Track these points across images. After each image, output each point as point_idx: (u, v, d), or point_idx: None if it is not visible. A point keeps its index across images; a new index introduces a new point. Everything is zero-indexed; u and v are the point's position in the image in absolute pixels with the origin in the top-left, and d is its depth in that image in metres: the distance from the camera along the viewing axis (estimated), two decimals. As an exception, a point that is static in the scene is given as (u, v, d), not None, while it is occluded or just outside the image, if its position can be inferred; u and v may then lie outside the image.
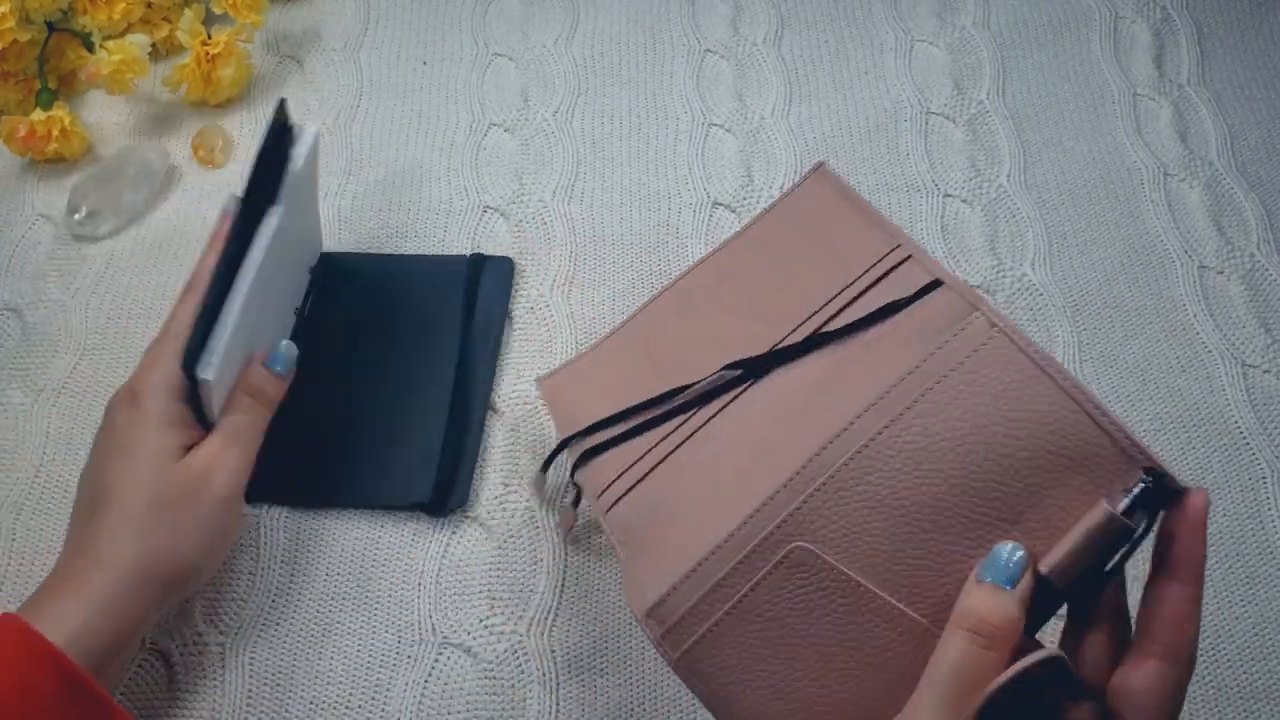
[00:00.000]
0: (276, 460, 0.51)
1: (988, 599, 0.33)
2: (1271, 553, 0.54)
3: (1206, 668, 0.51)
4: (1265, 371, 0.60)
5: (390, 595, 0.52)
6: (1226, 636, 0.51)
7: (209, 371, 0.46)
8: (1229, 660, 0.51)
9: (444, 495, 0.54)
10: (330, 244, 0.65)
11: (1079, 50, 0.75)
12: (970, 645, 0.33)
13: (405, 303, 0.61)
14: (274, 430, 0.50)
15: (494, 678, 0.50)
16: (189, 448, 0.47)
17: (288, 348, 0.51)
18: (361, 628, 0.51)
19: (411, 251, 0.64)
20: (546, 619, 0.52)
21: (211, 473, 0.46)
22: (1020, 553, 0.34)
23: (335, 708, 0.49)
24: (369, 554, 0.54)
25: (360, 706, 0.49)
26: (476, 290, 0.61)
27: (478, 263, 0.62)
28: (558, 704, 0.50)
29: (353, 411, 0.57)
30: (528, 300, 0.62)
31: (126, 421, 0.46)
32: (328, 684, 0.50)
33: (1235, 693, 0.50)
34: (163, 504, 0.44)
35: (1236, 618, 0.52)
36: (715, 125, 0.71)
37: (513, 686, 0.50)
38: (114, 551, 0.43)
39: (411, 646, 0.51)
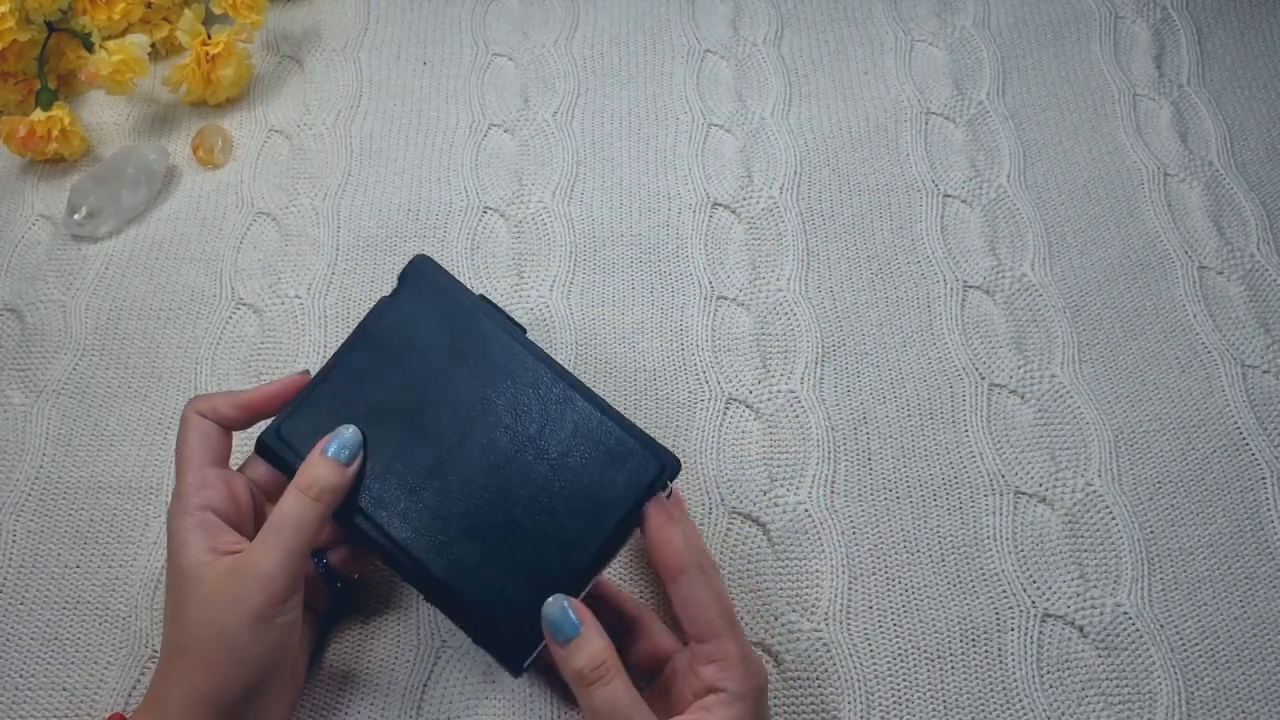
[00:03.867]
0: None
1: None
2: (1271, 553, 0.54)
3: (1205, 668, 0.51)
4: (1265, 372, 0.60)
5: (389, 596, 0.53)
6: (1225, 637, 0.52)
7: (270, 435, 0.46)
8: (1228, 660, 0.51)
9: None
10: (330, 244, 0.65)
11: (1079, 50, 0.75)
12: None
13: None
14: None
15: (495, 679, 0.50)
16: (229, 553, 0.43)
17: (352, 433, 0.45)
18: (361, 630, 0.52)
19: (415, 250, 0.64)
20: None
21: (237, 585, 0.41)
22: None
23: (335, 712, 0.49)
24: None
25: (360, 710, 0.49)
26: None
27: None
28: (559, 706, 0.50)
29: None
30: (527, 302, 0.62)
31: (169, 517, 0.44)
32: (327, 688, 0.50)
33: (1235, 693, 0.50)
34: (187, 619, 0.42)
35: (1236, 618, 0.52)
36: (715, 125, 0.71)
37: (514, 687, 0.50)
38: (157, 676, 0.43)
39: (412, 648, 0.51)
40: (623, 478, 0.45)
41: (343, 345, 0.49)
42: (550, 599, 0.43)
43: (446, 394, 0.47)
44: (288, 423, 0.47)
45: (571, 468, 0.46)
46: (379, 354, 0.49)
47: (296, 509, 0.43)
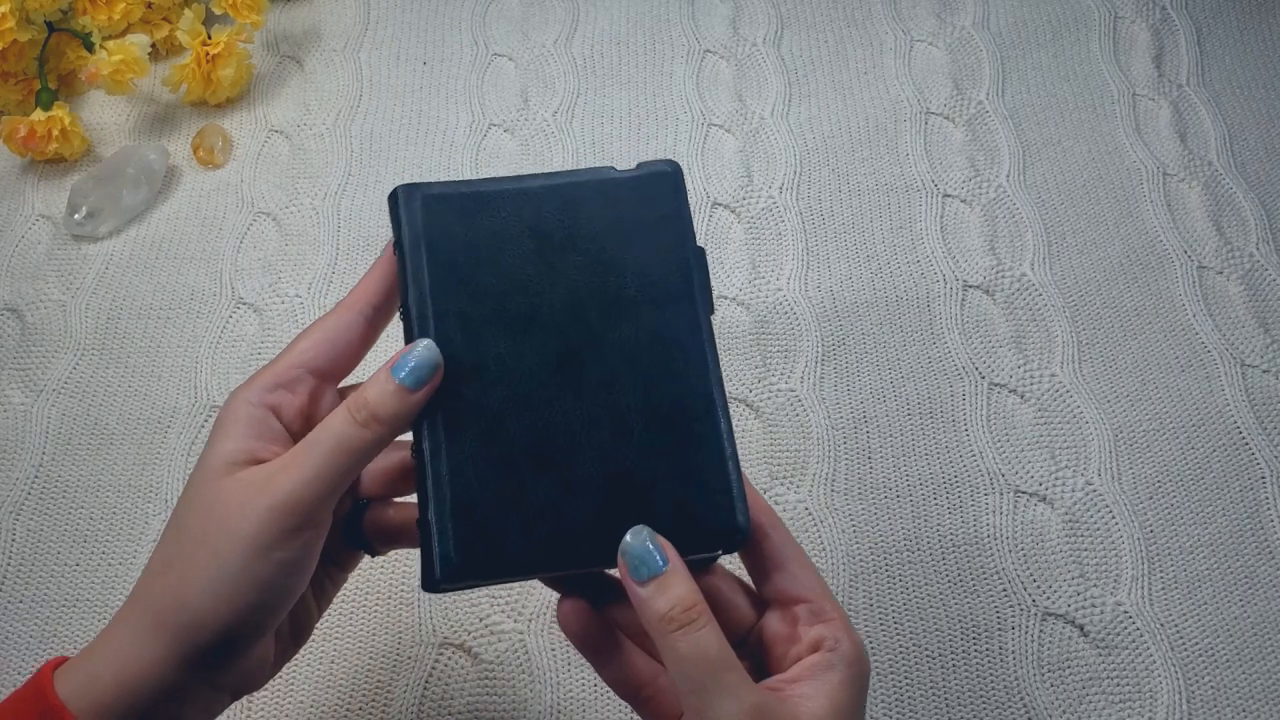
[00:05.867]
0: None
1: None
2: (1270, 553, 0.54)
3: (1205, 668, 0.51)
4: (1264, 371, 0.60)
5: (389, 595, 0.52)
6: (1225, 636, 0.52)
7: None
8: (1228, 660, 0.51)
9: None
10: (330, 243, 0.65)
11: (1078, 50, 0.75)
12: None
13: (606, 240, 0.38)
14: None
15: (494, 678, 0.50)
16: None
17: (425, 350, 0.35)
18: (361, 629, 0.52)
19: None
20: (548, 616, 0.52)
21: (245, 500, 0.33)
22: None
23: (335, 711, 0.49)
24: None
25: (360, 709, 0.49)
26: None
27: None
28: (559, 703, 0.50)
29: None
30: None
31: (225, 402, 0.36)
32: (328, 687, 0.50)
33: (1235, 693, 0.50)
34: (184, 527, 0.34)
35: (1236, 618, 0.52)
36: (715, 125, 0.71)
37: (513, 687, 0.50)
38: (137, 586, 0.34)
39: (411, 648, 0.51)
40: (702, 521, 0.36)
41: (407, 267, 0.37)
42: (631, 531, 0.34)
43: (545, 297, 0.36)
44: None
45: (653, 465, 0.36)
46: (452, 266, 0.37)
47: (339, 431, 0.34)
